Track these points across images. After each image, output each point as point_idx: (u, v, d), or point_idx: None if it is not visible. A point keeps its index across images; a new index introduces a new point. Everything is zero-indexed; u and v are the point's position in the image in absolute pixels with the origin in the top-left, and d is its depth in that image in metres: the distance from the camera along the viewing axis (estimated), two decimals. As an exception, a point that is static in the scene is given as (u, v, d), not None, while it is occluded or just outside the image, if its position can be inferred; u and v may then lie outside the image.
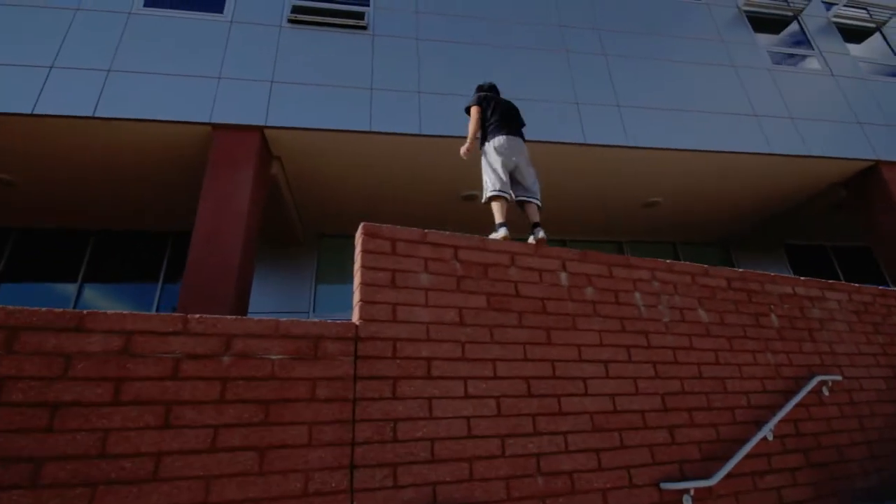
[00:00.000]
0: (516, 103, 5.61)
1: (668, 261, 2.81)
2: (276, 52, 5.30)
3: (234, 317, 1.73)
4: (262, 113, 4.90)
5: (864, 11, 7.57)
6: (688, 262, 2.88)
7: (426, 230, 2.24)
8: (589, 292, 2.46)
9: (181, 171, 5.33)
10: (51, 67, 4.75)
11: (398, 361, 1.90)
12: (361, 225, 2.11)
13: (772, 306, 3.02)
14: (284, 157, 5.32)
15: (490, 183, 2.81)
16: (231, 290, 4.20)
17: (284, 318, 1.82)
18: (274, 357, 1.73)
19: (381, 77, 5.38)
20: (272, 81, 5.10)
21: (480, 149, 3.06)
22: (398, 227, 2.18)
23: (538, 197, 2.86)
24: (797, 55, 7.05)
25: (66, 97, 4.64)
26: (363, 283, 1.99)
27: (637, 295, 2.59)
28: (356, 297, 2.00)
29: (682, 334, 2.59)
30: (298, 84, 5.15)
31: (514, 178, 2.89)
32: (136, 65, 4.92)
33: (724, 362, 2.63)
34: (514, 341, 2.15)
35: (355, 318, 1.96)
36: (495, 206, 2.72)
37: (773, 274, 3.15)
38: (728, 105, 6.24)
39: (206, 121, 4.75)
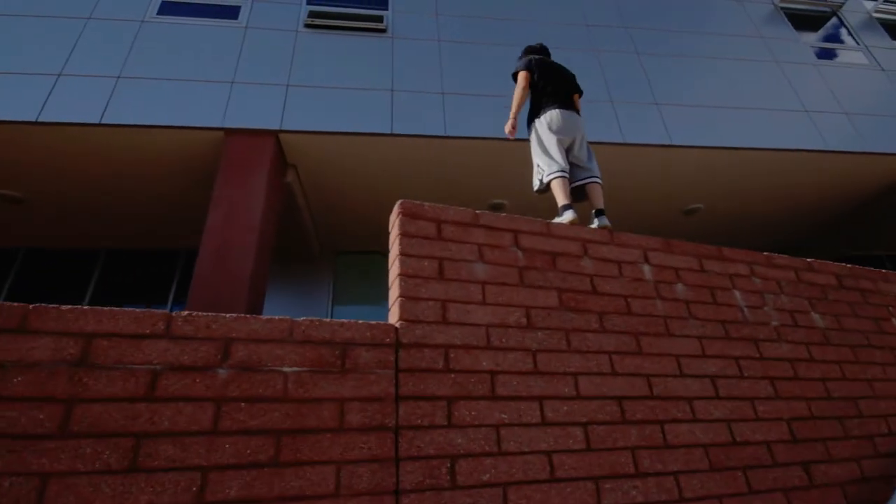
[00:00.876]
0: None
1: (765, 253, 2.30)
2: (291, 57, 5.03)
3: (234, 315, 1.28)
4: (277, 117, 4.58)
5: (908, 5, 7.13)
6: (786, 256, 2.36)
7: (478, 211, 1.78)
8: (680, 290, 1.96)
9: (192, 182, 5.01)
10: (58, 75, 4.53)
11: (453, 376, 1.41)
12: (399, 203, 1.67)
13: (890, 308, 2.47)
14: (300, 165, 4.98)
15: (545, 166, 2.36)
16: (241, 309, 3.77)
17: (302, 319, 1.36)
18: (288, 370, 1.26)
19: (402, 79, 5.06)
20: (288, 85, 4.81)
21: (529, 125, 2.63)
22: (444, 205, 1.73)
23: (600, 175, 2.41)
24: (842, 50, 6.60)
25: (73, 105, 4.39)
26: (403, 275, 1.52)
27: (737, 294, 2.08)
28: (394, 292, 1.54)
29: (798, 342, 2.06)
30: (315, 87, 4.86)
31: (567, 158, 2.45)
32: (146, 71, 4.68)
33: (851, 377, 2.08)
34: (597, 349, 1.65)
35: (394, 318, 1.49)
36: (556, 187, 2.27)
37: (883, 271, 2.61)
38: (776, 101, 5.77)
39: (219, 125, 4.45)
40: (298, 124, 4.58)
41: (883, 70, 6.39)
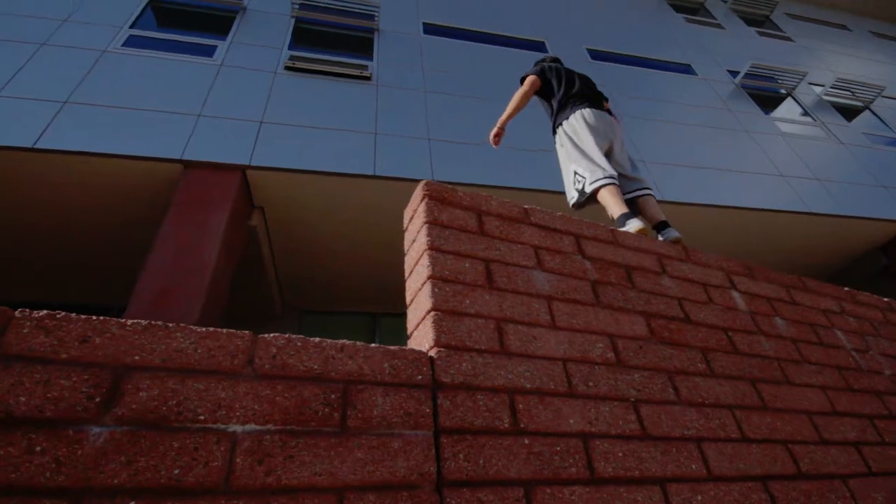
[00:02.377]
0: (529, 153, 5.09)
1: (844, 288, 1.90)
2: (268, 95, 4.69)
3: (137, 322, 0.69)
4: (247, 153, 4.11)
5: (849, 93, 7.82)
6: (867, 293, 1.98)
7: (528, 206, 1.30)
8: (780, 324, 1.49)
9: (133, 224, 4.33)
10: (-9, 95, 3.94)
11: (527, 443, 0.83)
12: (423, 183, 1.16)
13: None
14: (268, 208, 4.43)
15: (586, 173, 1.96)
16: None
17: (272, 336, 0.77)
18: (239, 430, 0.65)
19: (387, 123, 4.78)
20: (261, 122, 4.41)
21: (553, 134, 2.26)
22: (483, 194, 1.23)
23: (649, 185, 2.04)
24: (804, 126, 7.00)
25: (7, 127, 3.77)
26: (437, 279, 0.98)
27: (839, 334, 1.62)
28: (421, 304, 0.98)
29: (920, 398, 1.59)
30: (291, 125, 4.47)
31: None
32: (99, 99, 4.17)
33: None
34: (714, 402, 1.11)
35: (422, 343, 0.92)
36: (607, 195, 1.84)
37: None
38: (753, 165, 5.87)
39: (177, 157, 3.90)
40: (270, 161, 4.11)
41: (842, 143, 6.76)
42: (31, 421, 0.55)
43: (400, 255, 5.12)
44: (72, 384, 0.60)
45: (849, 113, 7.66)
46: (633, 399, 1.00)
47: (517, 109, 2.30)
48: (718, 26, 9.16)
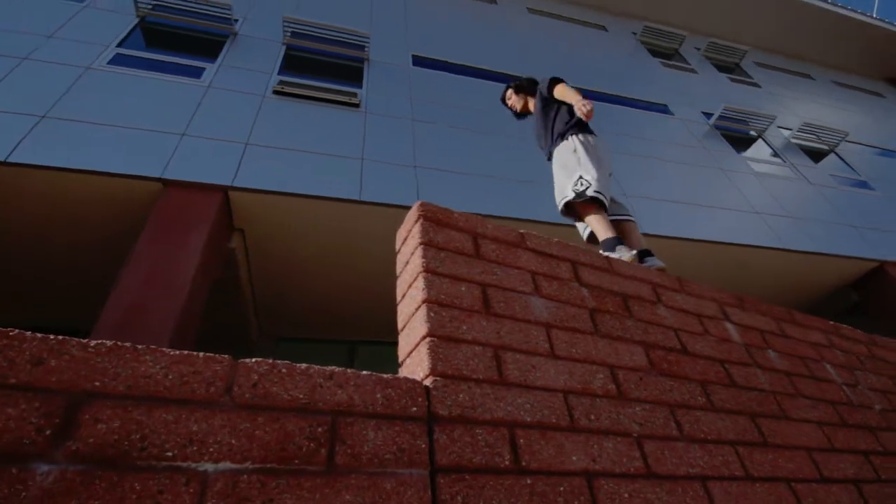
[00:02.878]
0: (511, 183, 5.14)
1: (830, 322, 1.92)
2: (255, 118, 4.67)
3: (99, 343, 0.61)
4: (230, 173, 4.03)
5: (815, 136, 8.24)
6: (849, 327, 1.99)
7: (523, 230, 1.27)
8: (774, 357, 1.47)
9: (107, 246, 4.16)
10: (-37, 107, 3.81)
11: (530, 482, 0.76)
12: (418, 204, 1.12)
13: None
14: (248, 230, 4.33)
15: (591, 179, 1.96)
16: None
17: (253, 361, 0.70)
18: (211, 468, 0.57)
19: (374, 149, 4.79)
20: (247, 143, 4.36)
21: (564, 135, 2.25)
22: (477, 216, 1.20)
23: (632, 213, 2.07)
24: (774, 166, 7.31)
25: (-28, 140, 3.62)
26: (432, 303, 0.93)
27: (829, 368, 1.62)
28: (416, 329, 0.92)
29: (911, 434, 1.58)
30: (278, 148, 4.43)
31: None
32: (79, 115, 4.08)
33: (980, 484, 1.59)
34: (717, 438, 1.07)
35: (418, 371, 0.86)
36: (598, 217, 1.83)
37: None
38: (729, 202, 6.06)
39: (157, 175, 3.80)
40: (254, 182, 4.03)
41: (811, 184, 7.06)
42: (-36, 457, 0.47)
43: (383, 281, 5.04)
44: (19, 413, 0.52)
45: (816, 155, 8.05)
46: (636, 434, 0.95)
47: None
48: (692, 71, 9.64)
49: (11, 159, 3.60)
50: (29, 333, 0.58)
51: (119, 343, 0.61)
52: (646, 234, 5.03)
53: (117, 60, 4.83)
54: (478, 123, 5.66)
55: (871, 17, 11.69)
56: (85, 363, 0.58)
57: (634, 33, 10.19)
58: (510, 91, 2.82)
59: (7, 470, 0.48)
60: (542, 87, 2.51)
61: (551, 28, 9.31)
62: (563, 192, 2.08)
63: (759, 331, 1.53)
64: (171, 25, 5.72)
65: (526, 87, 2.78)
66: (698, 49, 10.49)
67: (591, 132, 2.29)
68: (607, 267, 1.35)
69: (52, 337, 0.59)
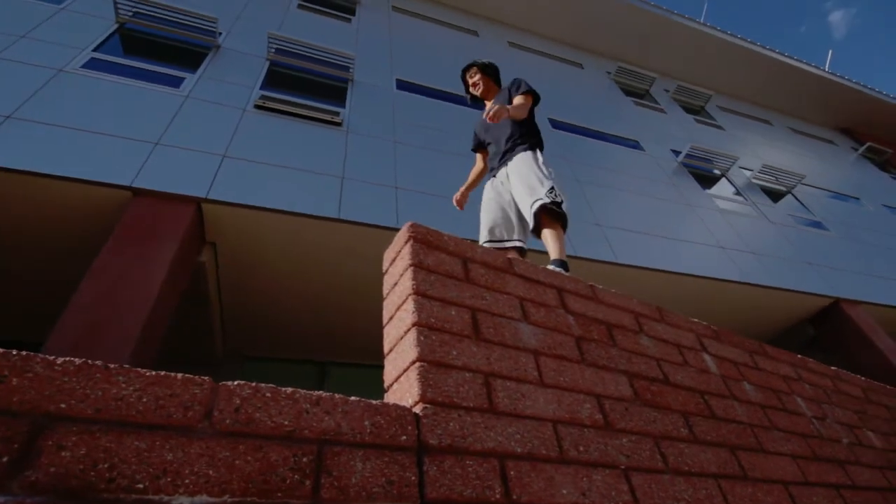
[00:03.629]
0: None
1: (798, 355, 1.98)
2: (234, 131, 4.59)
3: (65, 360, 0.56)
4: (205, 185, 3.93)
5: (773, 178, 8.74)
6: (815, 361, 2.06)
7: (511, 256, 1.26)
8: (749, 389, 1.50)
9: (68, 256, 3.95)
10: (-82, 102, 3.60)
11: (520, 517, 0.73)
12: (409, 225, 1.11)
13: (914, 432, 2.20)
14: (220, 243, 4.20)
15: (563, 195, 1.98)
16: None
17: (235, 384, 0.66)
18: (188, 503, 0.52)
19: (355, 168, 4.77)
20: (224, 156, 4.27)
21: (525, 151, 2.26)
22: (466, 241, 1.19)
23: None
24: (737, 204, 7.67)
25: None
26: (422, 326, 0.90)
27: (799, 401, 1.66)
28: (405, 354, 0.89)
29: (873, 467, 1.63)
30: (256, 162, 4.36)
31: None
32: (47, 117, 3.92)
33: (939, 518, 1.64)
34: (700, 471, 1.07)
35: (407, 398, 0.82)
36: (560, 236, 1.83)
37: (888, 386, 2.41)
38: (695, 235, 6.30)
39: (127, 184, 3.66)
40: (230, 196, 3.93)
41: (771, 222, 7.44)
42: None
43: (359, 301, 4.93)
44: (-30, 439, 0.46)
45: (775, 195, 8.52)
46: (623, 466, 0.94)
47: (525, 112, 2.29)
48: (662, 111, 10.14)
49: (-33, 159, 3.40)
50: (-12, 348, 0.53)
51: (89, 361, 0.56)
52: (614, 263, 5.15)
53: (92, 65, 4.69)
54: (459, 147, 5.74)
55: (824, 70, 12.66)
56: (51, 383, 0.53)
57: (609, 72, 10.68)
58: (475, 69, 2.67)
59: (-49, 504, 0.43)
60: (515, 89, 2.44)
61: (530, 62, 9.67)
62: (536, 194, 2.01)
63: (734, 363, 1.57)
64: (152, 34, 5.63)
65: (492, 73, 2.67)
66: (667, 91, 11.07)
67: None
68: (592, 295, 1.36)
69: (14, 353, 0.53)
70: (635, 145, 8.08)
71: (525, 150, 2.26)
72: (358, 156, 4.96)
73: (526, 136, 2.32)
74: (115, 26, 5.38)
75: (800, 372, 1.84)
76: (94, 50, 4.89)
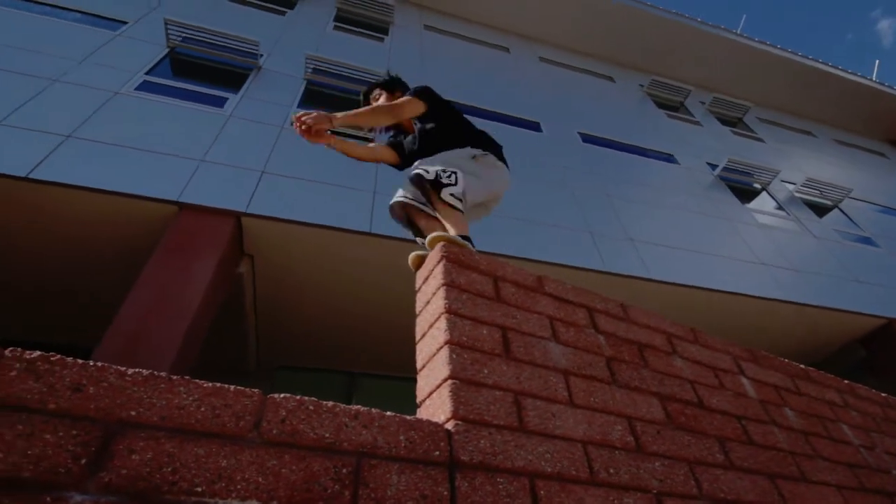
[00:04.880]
0: (528, 224, 5.20)
1: (844, 381, 1.89)
2: (272, 148, 4.80)
3: (137, 372, 0.62)
4: (245, 200, 4.11)
5: (818, 191, 8.37)
6: (864, 387, 1.96)
7: (541, 274, 1.28)
8: (790, 415, 1.45)
9: (117, 265, 4.20)
10: (-7, 124, 3.94)
11: (550, 537, 0.74)
12: (440, 245, 1.15)
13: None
14: (258, 256, 4.37)
15: (461, 189, 1.64)
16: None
17: (281, 396, 0.70)
18: (238, 506, 0.57)
19: (387, 183, 4.88)
20: (263, 172, 4.47)
21: (461, 145, 1.93)
22: (498, 259, 1.22)
23: None
24: (778, 218, 7.38)
25: (2, 156, 3.73)
26: (454, 344, 0.93)
27: (846, 428, 1.58)
28: (437, 371, 0.92)
29: (932, 504, 1.53)
30: (292, 178, 4.53)
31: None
32: (103, 136, 4.20)
33: None
34: (736, 499, 1.04)
35: (439, 414, 0.85)
36: (463, 218, 1.60)
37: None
38: (734, 251, 6.09)
39: (174, 199, 3.87)
40: (267, 210, 4.10)
41: (816, 237, 7.11)
42: (5, 482, 0.47)
43: (389, 314, 5.01)
44: (57, 440, 0.52)
45: (819, 210, 8.14)
46: (655, 491, 0.93)
47: (396, 117, 1.90)
48: (697, 123, 9.92)
49: (33, 175, 3.68)
50: (70, 359, 0.59)
51: (155, 373, 0.62)
52: (649, 280, 5.03)
53: (145, 87, 5.02)
54: (488, 163, 5.79)
55: (872, 80, 12.10)
56: (122, 392, 0.59)
57: (641, 85, 10.55)
58: (377, 89, 2.19)
59: (41, 498, 0.48)
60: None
61: (561, 76, 9.67)
62: (434, 173, 1.65)
63: (775, 387, 1.52)
64: (200, 57, 5.98)
65: (392, 85, 2.19)
66: (703, 103, 10.83)
67: (501, 157, 1.99)
68: (623, 315, 1.35)
69: (91, 364, 0.60)
70: (670, 159, 7.92)
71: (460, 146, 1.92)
72: (390, 171, 5.06)
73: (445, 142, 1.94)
74: (166, 50, 5.75)
75: (847, 398, 1.76)
76: (147, 73, 5.23)
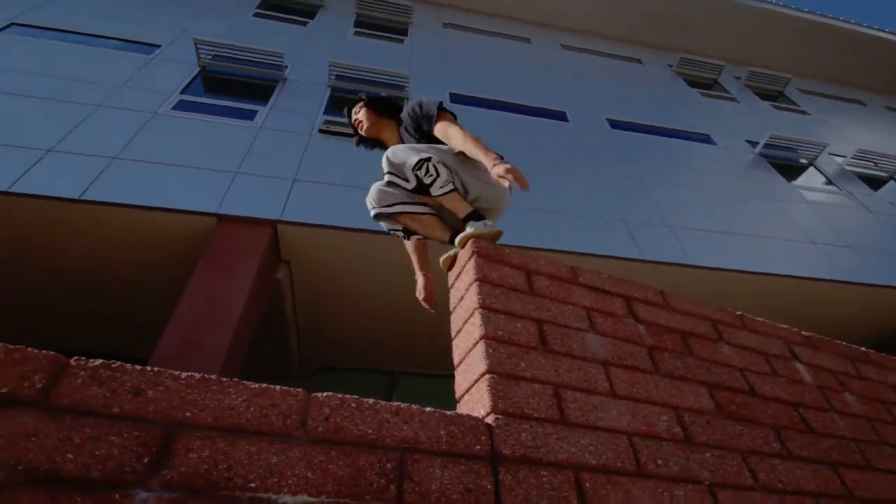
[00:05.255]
0: (559, 216, 5.12)
1: (911, 363, 1.76)
2: (302, 155, 4.92)
3: (190, 375, 0.65)
4: (279, 208, 4.24)
5: (872, 163, 7.83)
6: (934, 370, 1.82)
7: (574, 265, 1.26)
8: (852, 401, 1.37)
9: (164, 277, 4.41)
10: (48, 151, 4.22)
11: (599, 530, 0.73)
12: (472, 242, 1.15)
13: None
14: (294, 261, 4.49)
15: (444, 174, 1.57)
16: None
17: (324, 395, 0.72)
18: (291, 502, 0.59)
19: (414, 183, 4.90)
20: (294, 179, 4.59)
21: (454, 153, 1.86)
22: (530, 252, 1.21)
23: None
24: (827, 194, 6.96)
25: (55, 179, 3.99)
26: (490, 339, 0.93)
27: (915, 413, 1.48)
28: (474, 366, 0.92)
29: None
30: (323, 184, 4.63)
31: None
32: (145, 156, 4.43)
33: None
34: (796, 489, 0.99)
35: (479, 409, 0.85)
36: (458, 198, 1.56)
37: None
38: (779, 231, 5.78)
39: (213, 211, 4.03)
40: (300, 216, 4.21)
41: (871, 212, 6.66)
42: (77, 482, 0.51)
43: (422, 313, 5.03)
44: (122, 441, 0.55)
45: (874, 182, 7.62)
46: (707, 482, 0.90)
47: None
48: (733, 100, 9.47)
49: (85, 197, 3.92)
50: (129, 366, 0.63)
51: (206, 376, 0.65)
52: (688, 266, 4.85)
53: (181, 106, 5.25)
54: (516, 156, 5.73)
55: (925, 39, 11.21)
56: (177, 394, 0.62)
57: (671, 65, 10.17)
58: (360, 104, 1.96)
59: (110, 495, 0.52)
60: (424, 116, 1.89)
61: (585, 62, 9.45)
62: (414, 161, 1.60)
63: (833, 372, 1.43)
64: (229, 73, 6.20)
65: (380, 106, 1.95)
66: (738, 78, 10.33)
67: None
68: (662, 302, 1.31)
69: (149, 369, 0.63)
70: (706, 139, 7.60)
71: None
72: (416, 171, 5.11)
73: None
74: (198, 69, 5.99)
75: (914, 382, 1.64)
76: (182, 92, 5.47)
